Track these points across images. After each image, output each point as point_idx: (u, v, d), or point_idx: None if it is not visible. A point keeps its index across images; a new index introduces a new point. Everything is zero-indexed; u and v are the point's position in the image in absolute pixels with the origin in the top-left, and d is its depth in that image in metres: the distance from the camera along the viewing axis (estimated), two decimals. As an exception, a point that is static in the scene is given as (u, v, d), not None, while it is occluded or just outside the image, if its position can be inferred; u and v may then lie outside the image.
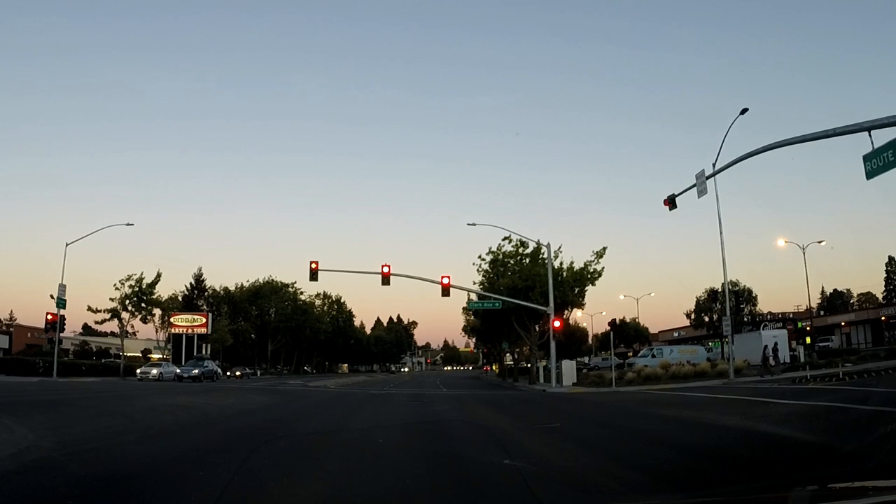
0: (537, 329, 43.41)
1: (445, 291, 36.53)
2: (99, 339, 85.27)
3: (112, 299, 54.81)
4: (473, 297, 44.25)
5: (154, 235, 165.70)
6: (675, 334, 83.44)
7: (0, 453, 8.22)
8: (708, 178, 26.21)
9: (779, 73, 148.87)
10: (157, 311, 59.51)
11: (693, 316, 70.33)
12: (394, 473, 7.60)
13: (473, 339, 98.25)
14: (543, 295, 37.92)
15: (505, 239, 43.81)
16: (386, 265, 35.84)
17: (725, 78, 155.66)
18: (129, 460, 8.51)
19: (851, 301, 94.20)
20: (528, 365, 49.98)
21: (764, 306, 71.94)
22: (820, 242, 52.26)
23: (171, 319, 63.94)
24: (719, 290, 57.57)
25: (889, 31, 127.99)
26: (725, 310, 35.63)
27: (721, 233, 30.90)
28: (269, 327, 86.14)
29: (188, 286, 78.33)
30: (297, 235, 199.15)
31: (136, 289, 55.40)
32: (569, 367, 38.82)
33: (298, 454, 9.35)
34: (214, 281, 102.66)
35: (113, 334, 75.01)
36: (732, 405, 17.39)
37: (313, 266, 35.63)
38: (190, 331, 65.94)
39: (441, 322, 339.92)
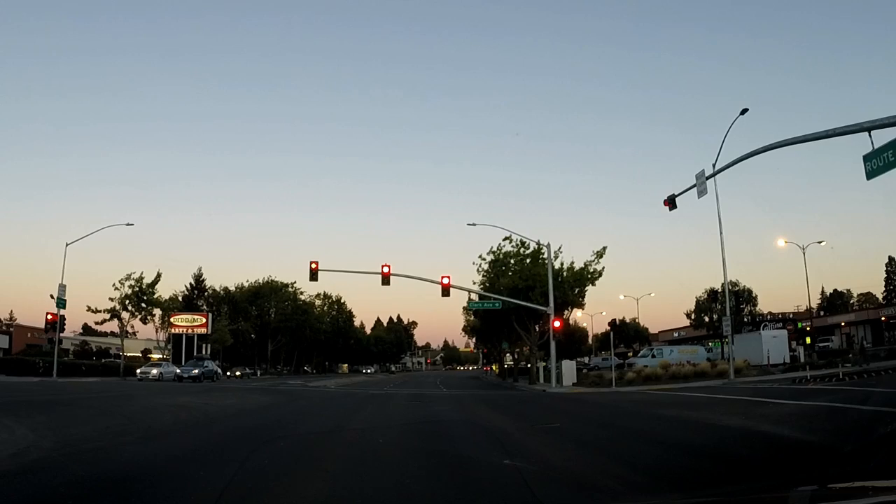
0: (537, 329, 43.38)
1: (445, 291, 36.53)
2: (99, 339, 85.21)
3: (112, 299, 54.83)
4: (474, 297, 44.23)
5: (154, 235, 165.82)
6: (675, 334, 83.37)
7: (0, 453, 8.22)
8: (708, 178, 26.20)
9: (779, 74, 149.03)
10: (157, 312, 59.44)
11: (693, 316, 70.17)
12: (394, 473, 7.60)
13: (473, 340, 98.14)
14: (543, 295, 37.90)
15: (505, 239, 43.86)
16: (386, 265, 35.89)
17: (725, 79, 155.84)
18: (129, 460, 8.51)
19: (851, 301, 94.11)
20: (528, 365, 49.95)
21: (764, 306, 71.83)
22: (820, 243, 52.32)
23: (171, 319, 63.85)
24: (719, 290, 57.63)
25: (889, 31, 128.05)
26: (725, 310, 35.64)
27: (721, 233, 30.97)
28: (269, 327, 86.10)
29: (188, 286, 78.39)
30: (297, 235, 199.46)
31: (136, 289, 55.37)
32: (569, 367, 38.82)
33: (299, 454, 9.35)
34: (214, 281, 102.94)
35: (113, 334, 74.95)
36: (732, 405, 17.38)
37: (313, 266, 35.62)
38: (190, 331, 65.89)
39: (441, 322, 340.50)
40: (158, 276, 57.07)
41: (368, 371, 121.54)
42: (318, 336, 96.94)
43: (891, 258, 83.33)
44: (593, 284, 42.85)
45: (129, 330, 57.73)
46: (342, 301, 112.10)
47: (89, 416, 13.63)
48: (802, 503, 3.12)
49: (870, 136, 15.86)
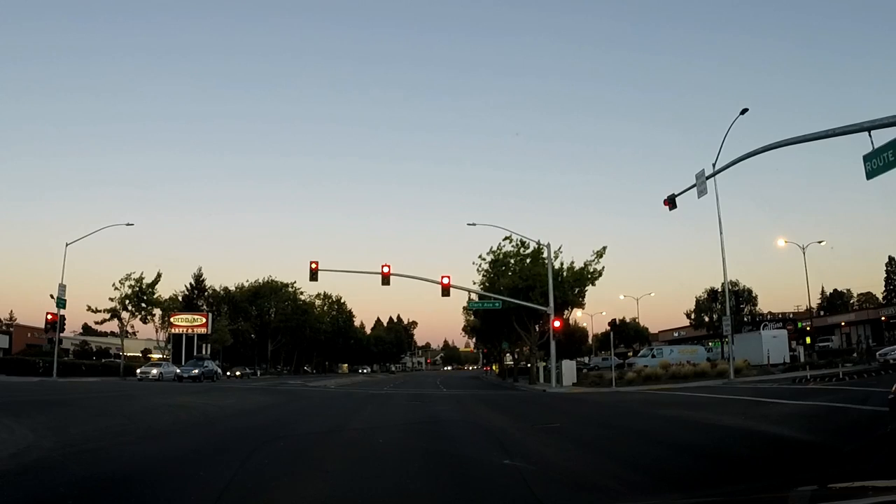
0: (537, 329, 43.39)
1: (445, 291, 36.52)
2: (99, 339, 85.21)
3: (111, 299, 54.82)
4: (473, 296, 44.22)
5: (154, 235, 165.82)
6: (675, 334, 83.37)
7: (0, 453, 8.22)
8: (708, 178, 26.18)
9: (779, 74, 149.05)
10: (157, 311, 59.44)
11: (693, 316, 70.21)
12: (394, 473, 7.61)
13: (473, 339, 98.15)
14: (544, 295, 37.90)
15: (505, 239, 43.84)
16: (386, 265, 35.89)
17: (725, 79, 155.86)
18: (128, 460, 8.51)
19: (851, 301, 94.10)
20: (528, 365, 49.97)
21: (764, 306, 71.86)
22: (820, 242, 52.23)
23: (171, 319, 63.84)
24: (719, 290, 57.63)
25: (889, 32, 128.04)
26: (725, 310, 35.65)
27: (721, 233, 30.97)
28: (269, 327, 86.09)
29: (188, 286, 78.37)
30: (297, 235, 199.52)
31: (136, 289, 55.36)
32: (569, 367, 38.81)
33: (299, 454, 9.35)
34: (214, 281, 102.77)
35: (113, 334, 74.99)
36: (732, 405, 17.39)
37: (313, 266, 35.61)
38: (190, 331, 65.89)
39: (441, 322, 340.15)
40: (159, 276, 57.12)
41: (363, 371, 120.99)
42: (318, 336, 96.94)
43: (891, 258, 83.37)
44: (593, 284, 42.90)
45: (129, 330, 57.74)
46: (342, 301, 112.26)
47: (89, 416, 13.62)
48: (802, 503, 3.12)
49: (870, 136, 15.85)
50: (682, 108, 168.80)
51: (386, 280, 35.75)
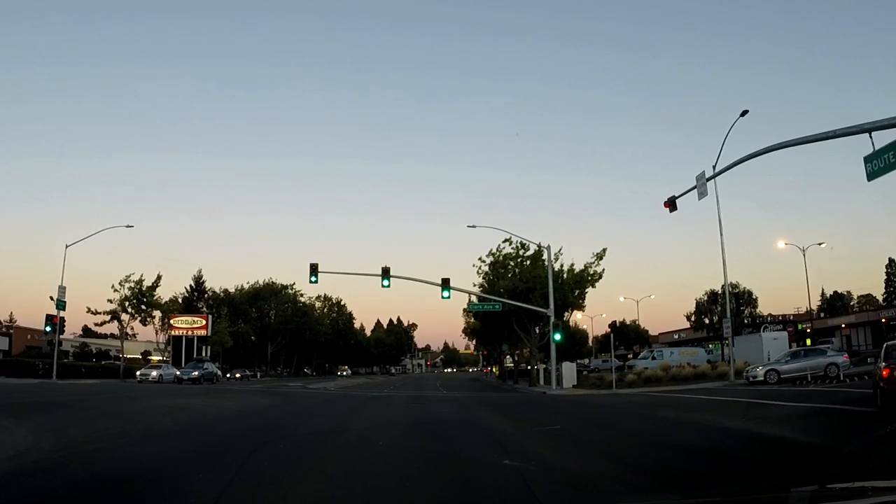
0: (537, 331, 43.39)
1: (445, 289, 36.51)
2: (99, 341, 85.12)
3: (111, 301, 54.80)
4: (474, 298, 44.21)
5: (154, 237, 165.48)
6: (676, 336, 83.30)
7: (0, 455, 8.21)
8: (708, 179, 26.17)
9: (779, 76, 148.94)
10: (157, 313, 59.39)
11: (693, 318, 70.22)
12: (394, 474, 7.60)
13: (473, 342, 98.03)
14: (544, 297, 37.89)
15: (505, 241, 43.81)
16: (386, 267, 35.90)
17: (726, 80, 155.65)
18: (128, 461, 8.51)
19: (852, 303, 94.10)
20: (529, 367, 49.96)
21: (764, 308, 71.76)
22: (820, 244, 52.30)
23: (171, 321, 63.73)
24: (719, 291, 57.72)
25: (889, 32, 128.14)
26: (726, 312, 35.68)
27: (721, 235, 31.00)
28: (269, 329, 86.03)
29: (188, 288, 78.28)
30: (297, 237, 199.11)
31: (136, 291, 55.35)
32: (569, 369, 38.81)
33: (299, 455, 9.34)
34: (214, 283, 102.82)
35: (113, 336, 74.89)
36: (732, 407, 17.39)
37: (313, 265, 35.61)
38: (190, 333, 65.80)
39: (441, 324, 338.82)
40: (159, 278, 57.07)
41: (346, 374, 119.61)
42: (318, 338, 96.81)
43: (891, 259, 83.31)
44: (593, 286, 42.89)
45: (129, 332, 57.76)
46: (342, 303, 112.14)
47: (89, 418, 13.62)
48: (802, 503, 3.12)
49: (870, 137, 15.85)
50: (683, 109, 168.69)
51: (386, 275, 35.63)
